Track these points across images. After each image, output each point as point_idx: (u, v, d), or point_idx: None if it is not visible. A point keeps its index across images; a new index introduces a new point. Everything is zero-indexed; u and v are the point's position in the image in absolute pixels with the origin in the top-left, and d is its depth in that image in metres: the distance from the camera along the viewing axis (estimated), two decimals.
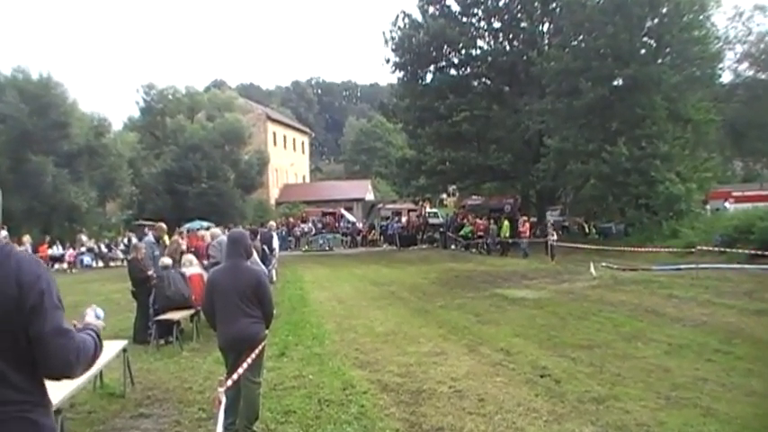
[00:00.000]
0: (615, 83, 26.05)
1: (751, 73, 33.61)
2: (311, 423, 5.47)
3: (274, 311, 5.48)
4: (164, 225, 12.47)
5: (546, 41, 31.41)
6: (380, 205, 47.26)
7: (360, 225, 40.53)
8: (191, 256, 10.92)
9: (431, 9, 33.31)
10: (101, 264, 30.07)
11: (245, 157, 46.26)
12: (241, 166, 45.45)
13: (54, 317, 1.95)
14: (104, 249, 31.88)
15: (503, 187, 36.59)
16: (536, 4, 31.47)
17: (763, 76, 33.13)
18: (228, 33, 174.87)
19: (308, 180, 68.36)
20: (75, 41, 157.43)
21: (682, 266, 16.38)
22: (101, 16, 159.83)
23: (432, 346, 8.38)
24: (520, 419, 5.32)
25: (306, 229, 38.27)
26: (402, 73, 34.21)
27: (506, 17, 32.23)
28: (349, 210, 45.95)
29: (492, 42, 33.45)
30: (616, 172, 24.02)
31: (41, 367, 1.98)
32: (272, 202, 53.54)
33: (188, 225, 27.74)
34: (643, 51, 25.76)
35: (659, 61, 25.33)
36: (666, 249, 18.71)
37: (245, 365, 4.73)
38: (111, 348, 6.15)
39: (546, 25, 32.62)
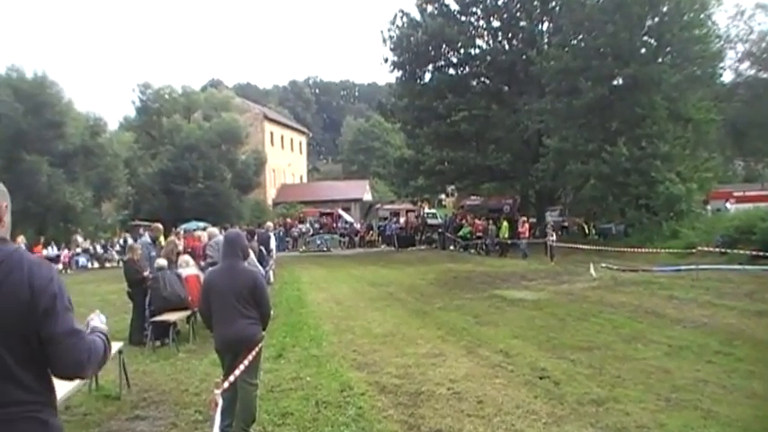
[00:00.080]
0: (615, 82, 25.98)
1: (752, 72, 33.52)
2: (308, 425, 5.45)
3: (271, 313, 5.45)
4: (160, 225, 12.39)
5: (545, 40, 31.33)
6: (378, 206, 47.25)
7: (358, 225, 40.47)
8: (187, 257, 10.88)
9: (429, 8, 33.23)
10: (96, 265, 30.00)
11: (242, 157, 46.18)
12: (238, 166, 45.37)
13: (66, 319, 2.01)
14: (100, 250, 31.79)
15: (502, 187, 36.52)
16: (535, 2, 31.42)
17: (764, 76, 33.01)
18: (225, 32, 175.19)
19: (305, 180, 68.36)
20: (70, 40, 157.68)
21: (682, 267, 16.30)
22: (96, 14, 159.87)
23: (430, 348, 8.36)
24: (519, 421, 5.31)
25: (303, 230, 38.16)
26: (400, 72, 34.12)
27: (505, 16, 32.18)
28: (347, 210, 45.91)
29: (491, 41, 33.39)
30: (616, 172, 23.93)
31: (54, 367, 2.04)
32: (270, 202, 53.52)
33: (184, 226, 27.57)
34: (643, 50, 25.66)
35: (659, 60, 25.21)
36: (667, 250, 18.59)
37: (241, 367, 4.69)
38: None
39: (545, 24, 32.57)
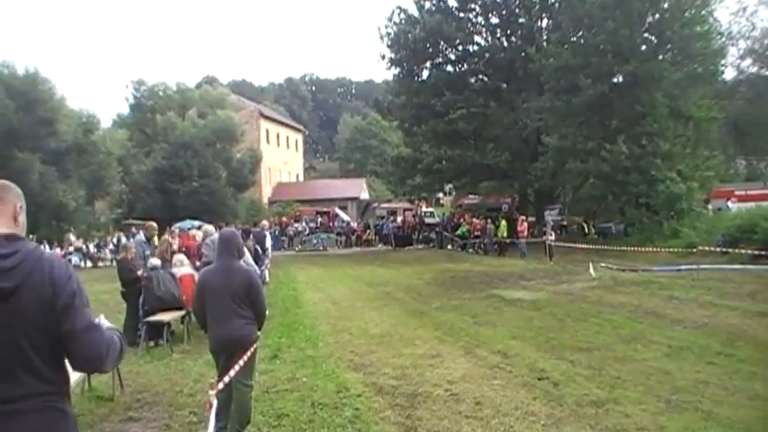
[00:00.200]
0: (615, 80, 25.98)
1: (754, 69, 33.20)
2: (304, 427, 5.43)
3: (267, 312, 5.42)
4: (154, 224, 12.31)
5: (544, 37, 31.32)
6: (375, 204, 47.33)
7: (354, 224, 40.44)
8: (181, 256, 10.80)
9: (427, 4, 33.15)
10: (89, 264, 29.84)
11: (237, 155, 46.05)
12: (233, 164, 45.23)
13: (84, 314, 2.11)
14: (93, 249, 31.61)
15: (500, 186, 36.55)
16: None
17: (766, 73, 32.79)
18: (220, 28, 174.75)
19: (301, 179, 68.32)
20: (62, 36, 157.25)
21: (683, 267, 16.26)
22: (89, 10, 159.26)
23: (427, 349, 8.31)
24: (517, 423, 5.28)
25: (299, 229, 38.18)
26: (398, 69, 34.08)
27: (504, 13, 32.14)
28: (343, 209, 45.98)
29: (489, 38, 33.36)
30: (616, 171, 23.86)
31: (75, 362, 2.14)
32: (265, 200, 53.44)
33: (179, 224, 27.48)
34: (644, 47, 25.60)
35: (660, 57, 25.13)
36: (667, 250, 18.57)
37: (236, 368, 4.67)
38: None
39: (545, 21, 32.54)
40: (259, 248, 13.58)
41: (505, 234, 26.30)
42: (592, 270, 16.23)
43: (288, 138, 64.41)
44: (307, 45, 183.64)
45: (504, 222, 27.25)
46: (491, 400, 5.92)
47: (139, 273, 9.70)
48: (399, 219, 38.33)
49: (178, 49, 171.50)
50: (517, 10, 32.06)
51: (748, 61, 32.82)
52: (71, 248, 29.91)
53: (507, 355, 7.74)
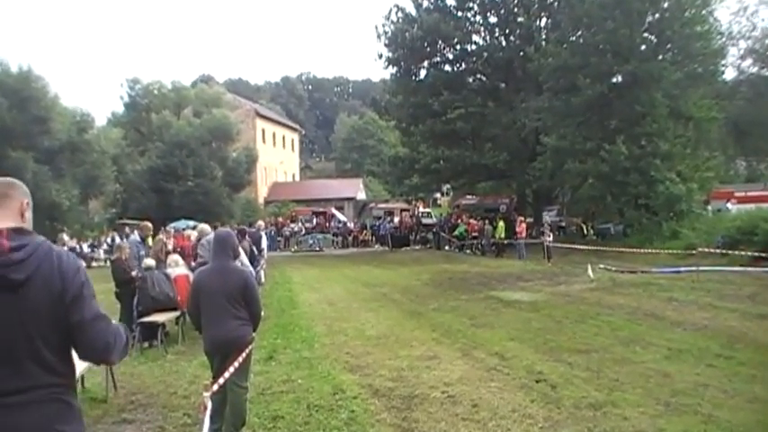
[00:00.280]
0: (614, 80, 25.90)
1: (755, 69, 33.21)
2: (300, 429, 5.43)
3: (262, 313, 5.43)
4: (149, 224, 12.20)
5: (543, 37, 31.22)
6: (372, 205, 47.27)
7: (351, 225, 40.44)
8: (176, 257, 10.72)
9: (425, 3, 33.03)
10: (83, 264, 29.71)
11: (232, 154, 45.98)
12: (229, 163, 45.15)
13: (92, 305, 2.19)
14: (87, 249, 31.48)
15: (498, 186, 36.53)
16: None
17: (767, 73, 32.86)
18: (216, 27, 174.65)
19: (297, 178, 68.28)
20: (56, 34, 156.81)
21: (682, 269, 16.22)
22: (84, 7, 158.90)
23: (424, 350, 8.28)
24: (515, 426, 5.26)
25: (295, 229, 38.11)
26: (395, 68, 33.91)
27: (503, 12, 32.03)
28: (340, 209, 45.94)
29: (488, 38, 33.25)
30: (615, 171, 23.77)
31: (83, 352, 2.21)
32: (261, 200, 53.38)
33: (174, 224, 27.37)
34: (643, 47, 25.51)
35: (660, 57, 25.03)
36: (666, 251, 18.45)
37: (231, 369, 4.64)
38: None
39: (543, 20, 32.44)
40: (255, 249, 13.51)
41: (503, 235, 26.25)
42: (590, 271, 16.18)
43: (284, 137, 64.35)
44: (303, 44, 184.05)
45: (501, 223, 27.19)
46: (488, 402, 5.89)
47: (134, 273, 9.65)
48: (396, 219, 38.25)
49: (174, 47, 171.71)
50: (516, 9, 31.96)
51: (749, 61, 32.89)
52: (65, 248, 29.70)
53: (505, 356, 7.71)
